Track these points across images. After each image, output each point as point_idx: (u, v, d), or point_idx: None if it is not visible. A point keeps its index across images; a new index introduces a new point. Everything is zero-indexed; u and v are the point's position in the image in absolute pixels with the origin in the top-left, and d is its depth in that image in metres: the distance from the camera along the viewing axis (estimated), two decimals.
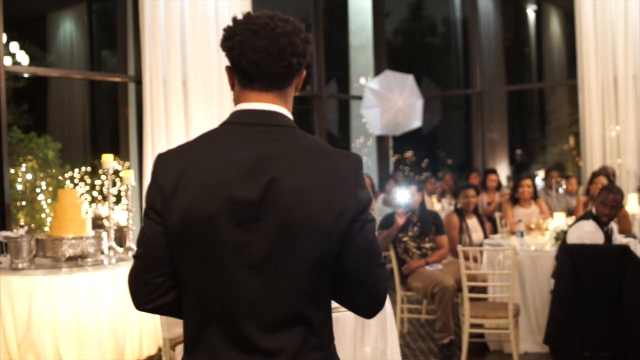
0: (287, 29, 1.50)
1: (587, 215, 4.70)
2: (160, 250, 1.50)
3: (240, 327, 1.44)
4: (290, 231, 1.43)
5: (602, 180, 6.10)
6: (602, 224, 4.63)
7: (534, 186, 6.46)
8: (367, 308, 1.55)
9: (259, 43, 1.48)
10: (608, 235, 4.67)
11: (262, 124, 1.50)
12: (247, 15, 1.53)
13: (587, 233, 4.54)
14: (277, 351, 1.44)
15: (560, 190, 8.06)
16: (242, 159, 1.45)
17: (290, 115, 1.56)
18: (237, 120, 1.52)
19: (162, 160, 1.52)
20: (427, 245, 5.39)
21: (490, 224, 6.84)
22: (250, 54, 1.49)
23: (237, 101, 1.56)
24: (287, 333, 1.45)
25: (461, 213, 5.98)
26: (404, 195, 5.21)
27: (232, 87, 1.58)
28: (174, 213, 1.46)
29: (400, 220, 5.18)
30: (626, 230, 5.73)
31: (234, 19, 1.53)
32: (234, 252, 1.44)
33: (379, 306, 1.53)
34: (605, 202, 4.58)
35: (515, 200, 6.37)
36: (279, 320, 1.45)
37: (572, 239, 4.57)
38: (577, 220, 4.80)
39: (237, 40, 1.49)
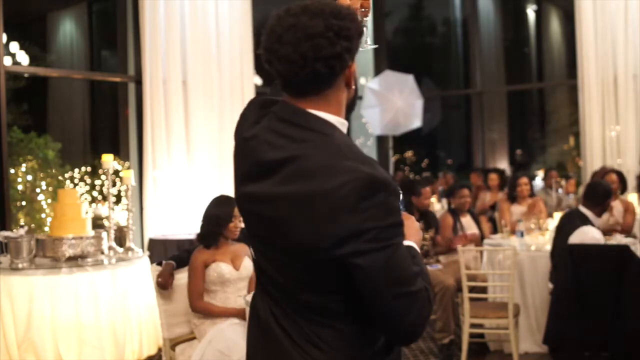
0: (312, 31, 1.36)
1: (583, 220, 4.67)
2: None
3: None
4: (279, 241, 1.46)
5: (613, 178, 6.05)
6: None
7: (531, 184, 6.54)
8: (393, 338, 1.47)
9: (282, 50, 1.38)
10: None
11: (296, 125, 1.44)
12: (282, 11, 1.41)
13: (592, 239, 4.52)
14: None
15: (560, 191, 8.06)
16: (264, 160, 1.45)
17: (330, 118, 1.44)
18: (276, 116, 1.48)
19: None
20: (427, 243, 5.46)
21: (490, 224, 6.85)
22: (275, 63, 1.41)
23: None
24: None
25: (455, 213, 6.01)
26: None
27: None
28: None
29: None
30: (628, 224, 5.70)
31: (272, 16, 1.43)
32: (259, 244, 1.54)
33: (405, 336, 1.44)
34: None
35: (513, 198, 6.42)
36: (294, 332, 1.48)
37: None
38: (569, 220, 4.77)
39: (262, 46, 1.42)
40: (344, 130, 1.47)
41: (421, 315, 1.40)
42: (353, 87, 1.49)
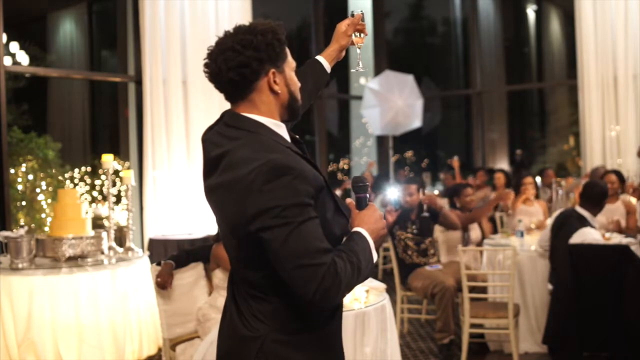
0: (224, 46, 1.66)
1: (582, 221, 4.66)
2: None
3: None
4: (220, 225, 1.74)
5: (612, 178, 6.05)
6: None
7: (536, 185, 6.54)
8: (307, 303, 1.61)
9: (210, 67, 1.70)
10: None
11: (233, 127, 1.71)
12: (222, 34, 1.72)
13: (592, 241, 4.51)
14: None
15: (560, 192, 8.06)
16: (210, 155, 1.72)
17: (260, 119, 1.69)
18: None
19: None
20: (427, 241, 5.41)
21: (490, 224, 6.86)
22: (209, 77, 1.73)
23: None
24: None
25: (461, 212, 6.01)
26: (393, 193, 5.29)
27: None
28: None
29: (390, 218, 5.19)
30: (632, 227, 5.70)
31: None
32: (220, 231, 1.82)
33: (313, 304, 1.58)
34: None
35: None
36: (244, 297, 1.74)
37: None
38: (567, 221, 4.76)
39: (204, 64, 1.72)
40: (280, 130, 1.71)
41: (323, 286, 1.54)
42: (280, 92, 1.71)
